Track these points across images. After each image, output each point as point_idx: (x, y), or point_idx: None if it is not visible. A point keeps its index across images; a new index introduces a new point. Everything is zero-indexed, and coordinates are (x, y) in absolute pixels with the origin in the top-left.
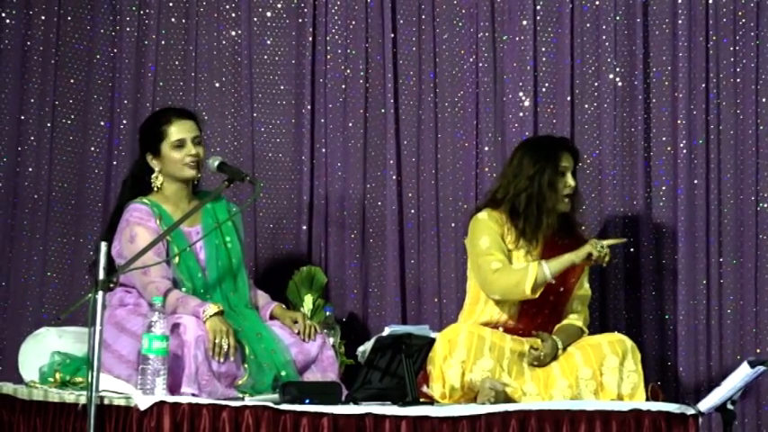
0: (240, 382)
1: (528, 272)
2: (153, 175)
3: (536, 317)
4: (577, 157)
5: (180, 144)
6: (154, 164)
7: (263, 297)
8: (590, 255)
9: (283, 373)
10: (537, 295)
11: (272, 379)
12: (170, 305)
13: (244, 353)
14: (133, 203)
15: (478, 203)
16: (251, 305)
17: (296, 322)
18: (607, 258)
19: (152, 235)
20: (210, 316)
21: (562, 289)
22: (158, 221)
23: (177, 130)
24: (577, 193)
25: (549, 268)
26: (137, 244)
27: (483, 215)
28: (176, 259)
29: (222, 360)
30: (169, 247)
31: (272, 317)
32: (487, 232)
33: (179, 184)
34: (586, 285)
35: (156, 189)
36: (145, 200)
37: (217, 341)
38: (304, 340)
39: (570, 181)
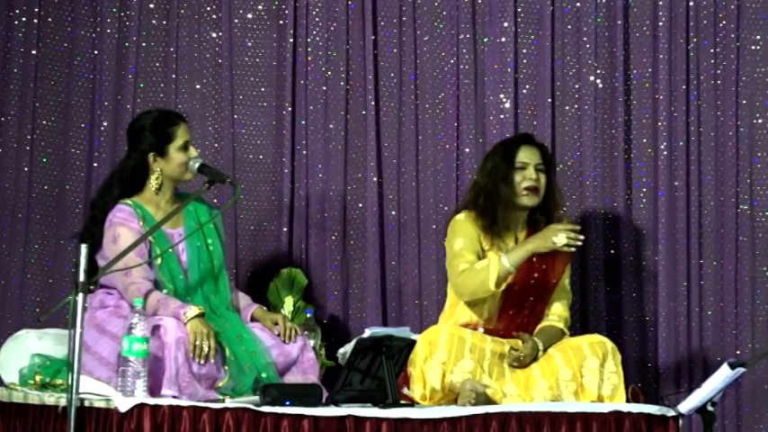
0: (220, 384)
1: (489, 268)
2: (154, 176)
3: (516, 318)
4: (545, 152)
5: (185, 146)
6: (156, 164)
7: (243, 299)
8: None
9: (264, 375)
10: (501, 289)
11: (253, 381)
12: (151, 306)
13: (224, 355)
14: (118, 204)
15: (459, 205)
16: (232, 307)
17: (276, 324)
18: (571, 242)
19: (135, 236)
20: (191, 318)
21: (541, 289)
22: (141, 223)
23: (184, 133)
24: (551, 191)
25: (509, 259)
26: (119, 245)
27: (461, 216)
28: (158, 260)
29: (203, 362)
30: (151, 248)
31: (252, 319)
32: (462, 233)
33: (172, 186)
34: (568, 287)
35: (155, 190)
36: (128, 201)
37: (197, 343)
38: (285, 342)
39: (531, 174)
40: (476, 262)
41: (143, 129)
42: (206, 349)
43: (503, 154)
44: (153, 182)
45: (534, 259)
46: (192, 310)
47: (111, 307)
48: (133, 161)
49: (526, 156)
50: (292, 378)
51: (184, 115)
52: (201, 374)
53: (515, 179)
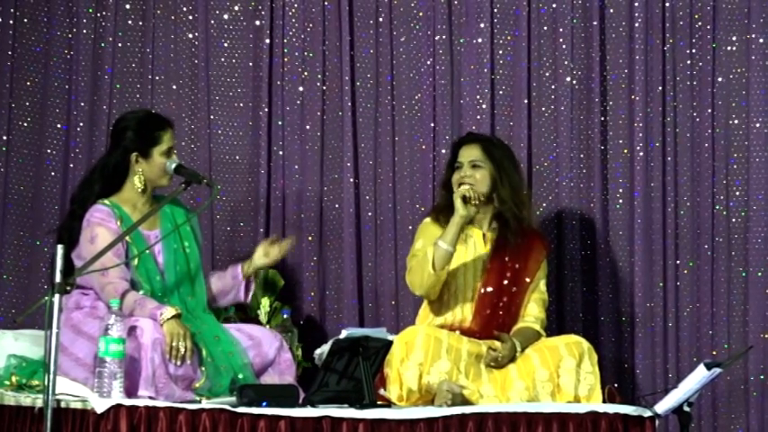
0: (197, 385)
1: (427, 254)
2: (137, 177)
3: (491, 319)
4: (486, 146)
5: (168, 152)
6: (137, 165)
7: (215, 275)
8: (464, 199)
9: (241, 376)
10: (445, 272)
11: (230, 382)
12: (127, 306)
13: (201, 356)
14: (95, 204)
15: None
16: (208, 309)
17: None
18: (467, 192)
19: (112, 236)
20: (168, 319)
21: (515, 289)
22: (119, 223)
23: (169, 138)
24: (505, 184)
25: (443, 239)
26: (96, 244)
27: (427, 220)
28: (135, 261)
29: (179, 363)
30: (128, 248)
31: (247, 281)
32: (424, 236)
33: (150, 188)
34: (543, 289)
35: (140, 190)
36: (106, 201)
37: (174, 344)
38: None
39: (464, 171)
40: None
41: (128, 128)
42: (182, 350)
43: (450, 159)
44: (137, 182)
45: (507, 258)
46: (169, 311)
47: (86, 308)
48: (115, 159)
49: (463, 155)
50: (269, 379)
51: (170, 120)
52: (178, 375)
53: (453, 179)
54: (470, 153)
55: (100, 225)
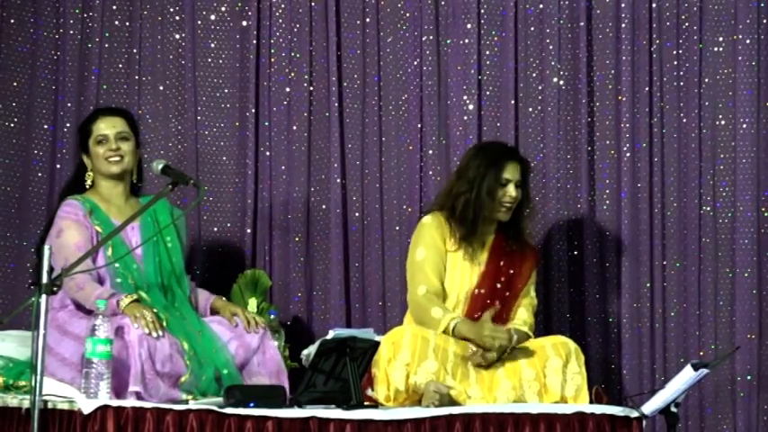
0: (183, 380)
1: (440, 322)
2: (88, 173)
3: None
4: (527, 168)
5: (102, 139)
6: (87, 162)
7: (202, 294)
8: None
9: (225, 372)
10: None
11: (213, 375)
12: (78, 287)
13: (184, 348)
14: (66, 199)
15: (428, 205)
16: (191, 306)
17: (235, 315)
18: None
19: (79, 229)
20: (128, 304)
21: (508, 294)
22: (89, 215)
23: (101, 127)
24: (527, 204)
25: (457, 329)
26: (63, 238)
27: (427, 219)
28: (109, 251)
29: (157, 335)
30: (100, 240)
31: (212, 310)
32: (425, 242)
33: (109, 181)
34: (533, 293)
35: (88, 187)
36: (78, 197)
37: (138, 315)
38: (247, 331)
39: (512, 191)
40: (433, 285)
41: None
42: (148, 317)
43: (491, 167)
44: (87, 179)
45: (502, 263)
46: (126, 298)
47: (70, 307)
48: (77, 163)
49: (510, 172)
50: (257, 379)
51: (129, 111)
52: (165, 372)
53: (498, 194)
54: (516, 172)
55: (66, 219)
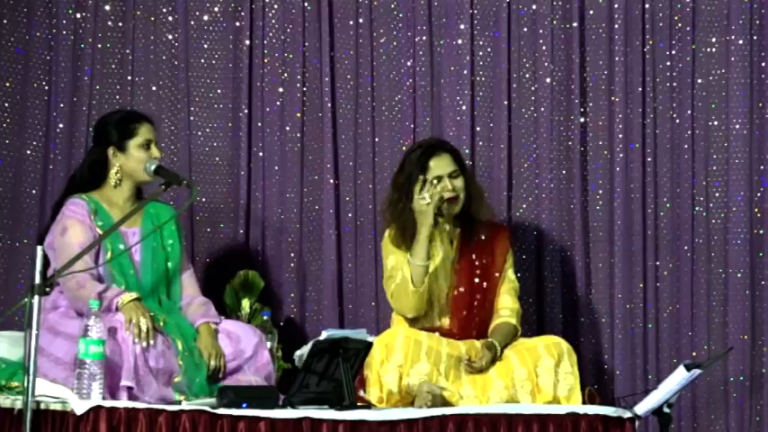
0: (177, 379)
1: (405, 274)
2: (113, 171)
3: (469, 319)
4: (455, 155)
5: (147, 145)
6: (115, 159)
7: (199, 305)
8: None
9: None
10: (426, 286)
11: (206, 377)
12: (79, 285)
13: (177, 348)
14: (72, 197)
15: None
16: (181, 314)
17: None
18: (435, 194)
19: (84, 230)
20: (126, 303)
21: (486, 284)
22: (92, 217)
23: (147, 131)
24: (473, 187)
25: (413, 255)
26: (67, 237)
27: (387, 233)
28: (108, 255)
29: (145, 344)
30: (101, 244)
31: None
32: (393, 250)
33: (132, 184)
34: (513, 277)
35: (114, 184)
36: (84, 196)
37: (134, 320)
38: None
39: (448, 184)
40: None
41: (107, 124)
42: (143, 327)
43: (414, 172)
44: (112, 176)
45: (473, 256)
46: (128, 296)
47: (62, 307)
48: (92, 156)
49: (440, 167)
50: (246, 378)
51: (150, 116)
52: (158, 369)
53: (429, 194)
54: (445, 165)
55: (72, 218)
